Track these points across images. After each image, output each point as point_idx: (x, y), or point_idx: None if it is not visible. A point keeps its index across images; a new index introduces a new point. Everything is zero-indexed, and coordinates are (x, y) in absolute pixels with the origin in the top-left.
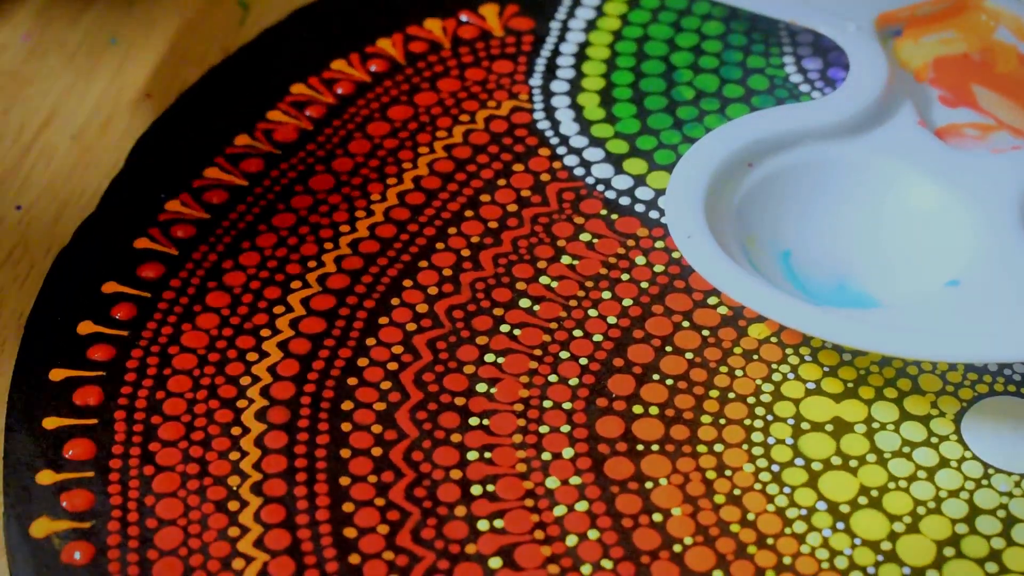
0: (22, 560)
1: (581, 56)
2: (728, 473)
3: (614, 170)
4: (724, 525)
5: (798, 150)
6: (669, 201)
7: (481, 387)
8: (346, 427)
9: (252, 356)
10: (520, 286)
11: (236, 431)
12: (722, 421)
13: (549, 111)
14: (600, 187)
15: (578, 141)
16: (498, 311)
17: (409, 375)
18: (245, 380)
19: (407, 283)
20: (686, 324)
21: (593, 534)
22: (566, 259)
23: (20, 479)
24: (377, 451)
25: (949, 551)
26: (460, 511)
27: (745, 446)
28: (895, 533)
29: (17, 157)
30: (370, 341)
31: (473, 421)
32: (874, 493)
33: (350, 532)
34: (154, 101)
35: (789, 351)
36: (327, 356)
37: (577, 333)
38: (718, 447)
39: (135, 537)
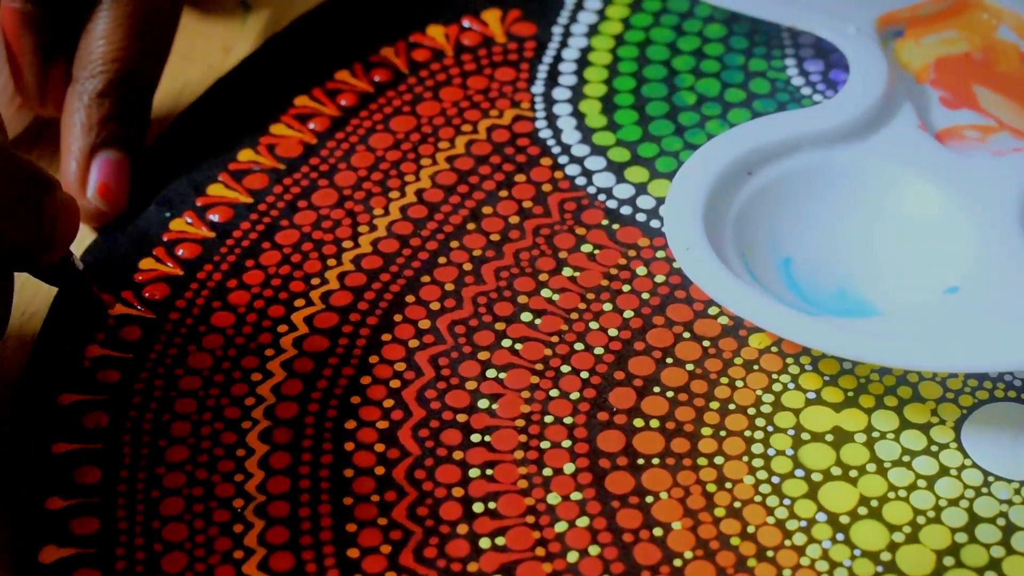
0: None
1: (583, 62)
2: (728, 486)
3: (615, 179)
4: (724, 538)
5: (797, 157)
6: (668, 213)
7: (483, 403)
8: (349, 446)
9: (256, 376)
10: (522, 300)
11: (240, 452)
12: (722, 433)
13: (551, 119)
14: (602, 196)
15: (580, 150)
16: (500, 325)
17: (412, 392)
18: (249, 400)
19: (410, 299)
20: (687, 335)
21: (594, 550)
22: (567, 271)
23: (28, 506)
24: (380, 470)
25: (949, 560)
26: (462, 529)
27: (745, 458)
28: (895, 543)
29: None
30: (373, 359)
31: (475, 438)
32: (874, 503)
33: (353, 552)
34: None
35: (789, 360)
36: (330, 375)
37: (578, 346)
38: (718, 459)
39: (141, 562)
